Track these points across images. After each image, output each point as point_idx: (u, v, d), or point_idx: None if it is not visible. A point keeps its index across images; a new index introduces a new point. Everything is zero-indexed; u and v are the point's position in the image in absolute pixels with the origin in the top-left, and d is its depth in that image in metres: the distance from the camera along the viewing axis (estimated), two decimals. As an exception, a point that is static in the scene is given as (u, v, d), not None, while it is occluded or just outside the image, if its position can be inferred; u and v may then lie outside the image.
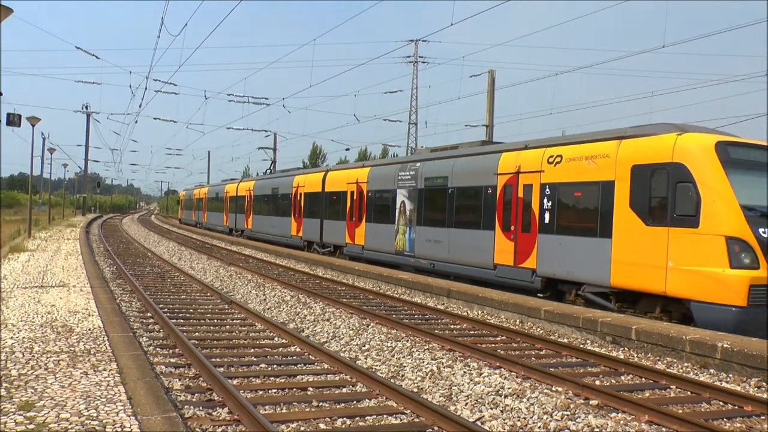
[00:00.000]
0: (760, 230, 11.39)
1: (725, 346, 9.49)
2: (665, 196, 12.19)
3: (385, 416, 6.97)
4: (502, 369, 9.15)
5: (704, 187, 11.64)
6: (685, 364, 9.86)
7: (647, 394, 8.34)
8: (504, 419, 7.01)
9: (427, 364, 9.28)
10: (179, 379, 8.04)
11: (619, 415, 7.28)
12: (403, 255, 20.80)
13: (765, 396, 8.28)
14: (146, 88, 51.93)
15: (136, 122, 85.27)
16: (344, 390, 7.95)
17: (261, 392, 7.69)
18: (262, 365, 8.95)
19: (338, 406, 7.25)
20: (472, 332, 12.19)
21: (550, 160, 14.96)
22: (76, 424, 5.63)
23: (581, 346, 11.02)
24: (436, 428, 6.62)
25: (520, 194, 15.75)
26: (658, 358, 10.31)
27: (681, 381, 8.72)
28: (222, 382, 7.47)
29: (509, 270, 15.95)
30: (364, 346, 10.48)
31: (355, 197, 24.32)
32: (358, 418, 6.89)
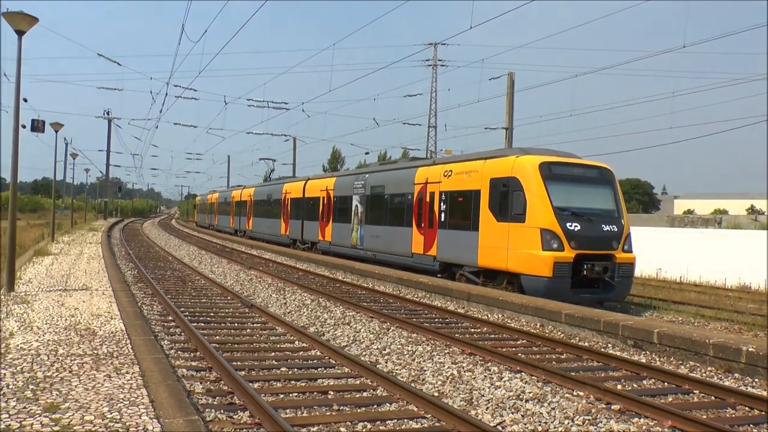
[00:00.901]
0: (568, 224, 15.38)
1: (750, 350, 9.38)
2: (507, 200, 16.38)
3: (405, 420, 6.97)
4: (523, 373, 9.12)
5: (530, 193, 15.74)
6: (709, 369, 9.76)
7: (670, 399, 8.27)
8: (525, 424, 6.99)
9: (448, 368, 9.28)
10: (200, 383, 8.10)
11: (642, 420, 7.22)
12: (356, 248, 25.39)
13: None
14: (167, 94, 52.61)
15: (157, 127, 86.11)
16: (365, 394, 7.96)
17: (282, 396, 7.73)
18: (283, 369, 8.99)
19: (359, 410, 7.26)
20: (492, 336, 12.15)
21: (446, 173, 19.44)
22: (100, 426, 5.69)
23: (602, 349, 10.95)
24: (456, 432, 6.61)
25: (427, 199, 20.31)
26: (680, 362, 10.22)
27: (705, 386, 8.63)
28: (243, 385, 7.51)
29: (421, 257, 20.44)
30: (385, 349, 10.49)
31: (325, 202, 29.04)
32: (379, 422, 6.90)
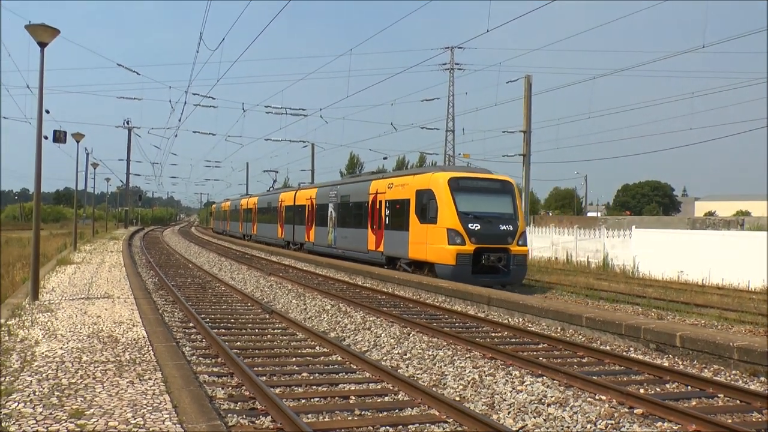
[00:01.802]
0: (470, 225, 19.63)
1: (775, 353, 9.26)
2: (426, 206, 20.76)
3: (427, 425, 6.97)
4: (545, 377, 9.08)
5: (440, 201, 20.13)
6: (733, 372, 9.65)
7: (694, 403, 8.19)
8: (547, 428, 6.96)
9: (469, 372, 9.26)
10: (222, 388, 8.15)
11: (665, 424, 7.16)
12: (331, 247, 30.08)
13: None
14: (185, 103, 52.95)
15: (176, 136, 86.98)
16: (386, 398, 7.97)
17: (303, 401, 7.76)
18: (304, 374, 9.02)
19: (380, 415, 7.27)
20: (513, 340, 12.11)
21: (389, 186, 24.06)
22: (125, 432, 5.75)
23: (624, 353, 10.87)
24: (478, 437, 6.59)
25: (377, 206, 24.75)
26: (704, 365, 10.11)
27: (729, 389, 8.54)
28: (265, 390, 7.55)
29: (373, 253, 24.93)
30: (406, 354, 10.49)
31: (309, 209, 33.80)
32: (400, 426, 6.91)
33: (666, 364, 10.08)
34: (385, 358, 10.30)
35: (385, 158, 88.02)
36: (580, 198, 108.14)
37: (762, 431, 7.07)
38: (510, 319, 14.46)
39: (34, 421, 5.99)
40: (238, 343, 11.15)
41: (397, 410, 7.48)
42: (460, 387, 8.56)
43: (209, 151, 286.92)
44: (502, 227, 19.97)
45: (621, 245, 30.13)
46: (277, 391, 8.03)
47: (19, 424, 5.90)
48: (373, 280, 21.92)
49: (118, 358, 8.71)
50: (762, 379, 9.29)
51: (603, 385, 8.38)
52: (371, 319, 13.89)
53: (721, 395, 8.47)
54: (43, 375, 7.71)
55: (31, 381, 7.40)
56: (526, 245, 20.77)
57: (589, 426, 7.00)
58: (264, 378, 8.59)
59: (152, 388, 7.26)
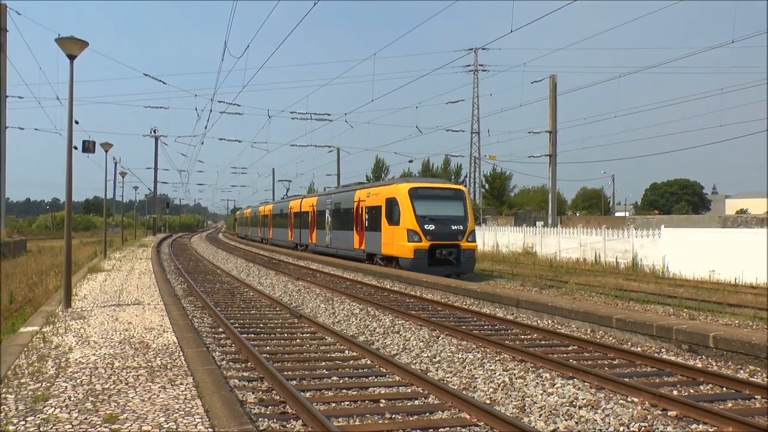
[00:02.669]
0: (426, 226, 24.30)
1: (812, 352, 9.09)
2: (391, 212, 25.61)
3: (458, 428, 6.95)
4: (575, 379, 9.00)
5: (402, 207, 24.92)
6: (770, 373, 9.48)
7: (729, 405, 8.05)
8: (579, 431, 6.90)
9: (499, 375, 9.22)
10: (253, 393, 8.20)
11: (700, 426, 7.06)
12: (328, 247, 35.05)
13: None
14: (211, 110, 53.56)
15: (202, 143, 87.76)
16: (416, 402, 7.96)
17: (334, 405, 7.78)
18: (334, 378, 9.04)
19: (411, 419, 7.27)
20: (543, 342, 12.03)
21: (368, 194, 29.02)
22: (158, 437, 5.81)
23: (656, 354, 10.74)
24: (510, 440, 6.55)
25: (360, 212, 29.75)
26: (739, 366, 9.95)
27: (767, 391, 8.38)
28: (295, 394, 7.58)
29: (357, 251, 29.92)
30: (435, 357, 10.47)
31: (312, 214, 39.16)
32: (431, 429, 6.90)
33: (699, 366, 9.93)
34: (414, 361, 10.30)
35: (410, 161, 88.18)
36: (607, 198, 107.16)
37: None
38: (539, 321, 14.37)
39: (70, 426, 6.08)
40: (268, 347, 11.22)
41: (427, 414, 7.46)
42: (491, 390, 8.52)
43: (235, 157, 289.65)
44: (454, 227, 24.59)
45: (650, 245, 29.78)
46: (308, 395, 8.06)
47: (56, 429, 6.00)
48: (401, 283, 21.91)
49: (150, 364, 8.81)
50: (799, 379, 9.12)
51: (635, 387, 8.28)
52: (400, 322, 13.89)
53: (758, 396, 8.32)
54: (78, 381, 7.82)
55: (66, 387, 7.52)
56: (474, 242, 25.28)
57: (621, 429, 6.92)
58: (294, 382, 8.63)
59: (184, 393, 7.33)
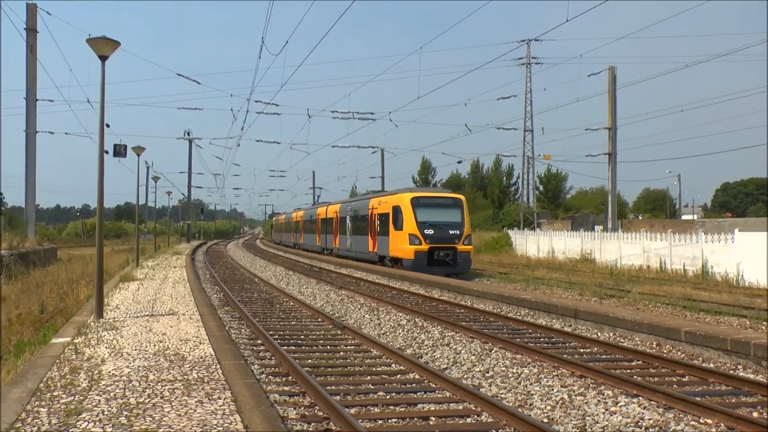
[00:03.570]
0: (425, 231, 29.34)
1: None
2: (397, 218, 30.61)
3: (514, 448, 6.87)
4: (641, 397, 8.82)
5: (405, 214, 29.99)
6: None
7: (817, 425, 7.79)
8: (649, 452, 6.76)
9: (557, 391, 9.10)
10: (294, 408, 8.24)
11: (785, 448, 6.85)
12: (349, 251, 40.19)
13: None
14: (248, 111, 54.32)
15: (239, 146, 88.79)
16: (468, 420, 7.90)
17: (380, 422, 7.77)
18: (380, 393, 9.04)
19: (463, 437, 7.21)
20: (604, 356, 11.83)
21: (380, 203, 34.20)
22: (196, 454, 5.87)
23: (731, 371, 10.46)
24: (572, 461, 6.46)
25: (373, 218, 34.85)
26: (826, 383, 9.63)
27: None
28: (339, 411, 7.59)
29: (371, 253, 35.00)
30: (488, 372, 10.39)
31: (335, 221, 44.66)
32: (485, 449, 6.84)
33: (781, 382, 9.64)
34: (466, 376, 10.23)
35: (459, 162, 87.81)
36: (673, 199, 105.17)
37: None
38: (599, 334, 14.15)
39: (104, 442, 6.18)
40: (310, 360, 11.27)
41: (481, 432, 7.40)
42: (548, 407, 8.41)
43: (273, 160, 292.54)
44: (451, 232, 29.66)
45: (722, 251, 29.09)
46: (353, 411, 8.06)
47: (89, 445, 6.10)
48: (450, 292, 21.83)
49: (186, 377, 8.92)
50: None
51: (708, 407, 8.06)
52: (450, 334, 13.83)
53: None
54: (111, 394, 7.96)
55: (99, 400, 7.65)
56: (470, 245, 30.67)
57: (696, 450, 6.76)
58: (338, 397, 8.64)
59: (222, 407, 7.40)
